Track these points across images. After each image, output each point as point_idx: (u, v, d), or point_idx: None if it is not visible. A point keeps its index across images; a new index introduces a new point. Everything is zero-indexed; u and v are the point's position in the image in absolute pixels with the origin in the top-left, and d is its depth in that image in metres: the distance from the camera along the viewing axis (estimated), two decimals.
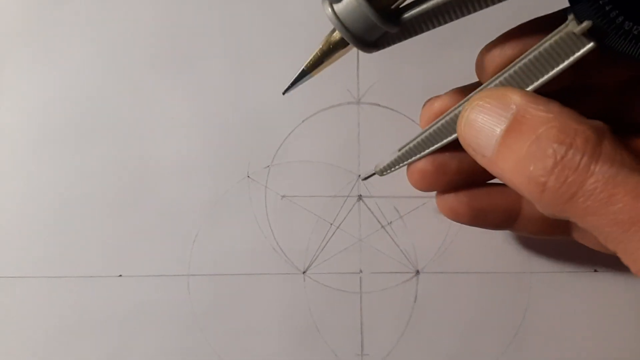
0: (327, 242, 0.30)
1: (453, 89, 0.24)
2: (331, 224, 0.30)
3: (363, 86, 0.30)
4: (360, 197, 0.30)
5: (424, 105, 0.24)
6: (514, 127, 0.19)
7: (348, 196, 0.30)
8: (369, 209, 0.30)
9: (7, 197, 0.30)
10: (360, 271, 0.29)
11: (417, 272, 0.29)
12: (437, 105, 0.24)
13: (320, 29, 0.31)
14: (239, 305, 0.29)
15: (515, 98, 0.19)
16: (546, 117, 0.18)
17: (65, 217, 0.30)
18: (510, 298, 0.29)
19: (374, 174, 0.27)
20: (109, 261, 0.29)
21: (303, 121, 0.30)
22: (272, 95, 0.30)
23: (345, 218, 0.30)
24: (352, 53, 0.30)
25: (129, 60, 0.31)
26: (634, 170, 0.16)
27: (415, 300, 0.29)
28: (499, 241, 0.29)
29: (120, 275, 0.29)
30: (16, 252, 0.29)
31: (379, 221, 0.30)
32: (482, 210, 0.25)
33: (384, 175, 0.27)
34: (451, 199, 0.25)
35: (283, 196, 0.30)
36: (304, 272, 0.29)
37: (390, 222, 0.30)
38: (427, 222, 0.30)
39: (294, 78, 0.23)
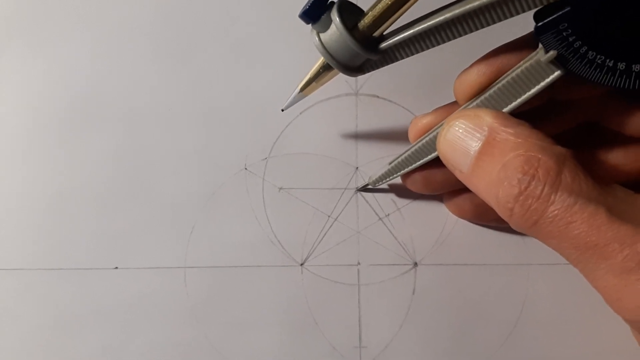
0: (325, 234, 0.29)
1: (437, 108, 0.26)
2: (329, 216, 0.30)
3: (361, 77, 0.30)
4: (357, 189, 0.30)
5: (411, 123, 0.27)
6: (485, 150, 0.20)
7: (346, 188, 0.30)
8: (367, 201, 0.30)
9: (2, 189, 0.29)
10: (358, 263, 0.29)
11: (415, 264, 0.29)
12: (422, 123, 0.26)
13: None
14: (236, 298, 0.29)
15: (487, 119, 0.21)
16: (515, 143, 0.20)
17: (60, 209, 0.29)
18: (508, 290, 0.29)
19: (368, 185, 0.29)
20: (105, 253, 0.29)
21: (301, 113, 0.30)
22: (269, 87, 0.30)
23: (343, 210, 0.30)
24: None
25: (126, 51, 0.30)
26: (590, 200, 0.18)
27: (413, 292, 0.29)
28: (497, 233, 0.29)
29: (116, 268, 0.29)
30: (11, 245, 0.29)
31: (376, 213, 0.30)
32: (484, 206, 0.27)
33: (377, 186, 0.29)
34: (456, 197, 0.28)
35: (280, 188, 0.30)
36: (301, 264, 0.29)
37: (388, 214, 0.30)
38: (424, 214, 0.30)
39: (290, 98, 0.26)
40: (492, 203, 0.21)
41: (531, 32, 0.21)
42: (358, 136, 0.30)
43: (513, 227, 0.20)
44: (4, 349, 0.28)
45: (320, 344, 0.29)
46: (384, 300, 0.29)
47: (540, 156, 0.19)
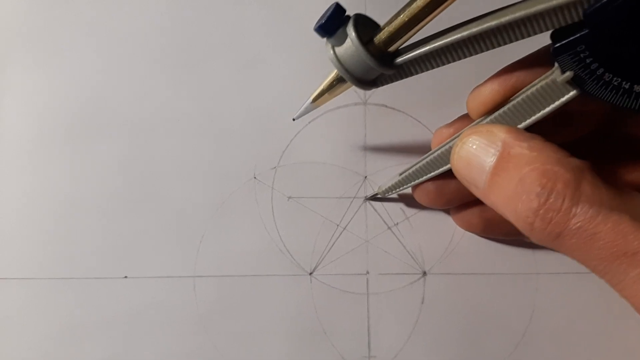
0: (334, 243, 0.29)
1: (459, 117, 0.26)
2: (338, 225, 0.30)
3: None
4: (366, 198, 0.30)
5: (434, 133, 0.27)
6: (500, 164, 0.20)
7: (354, 197, 0.30)
8: (376, 210, 0.30)
9: (12, 198, 0.30)
10: (367, 272, 0.29)
11: (424, 273, 0.29)
12: (448, 133, 0.26)
13: None
14: (245, 307, 0.29)
15: (500, 134, 0.21)
16: (529, 156, 0.20)
17: (70, 218, 0.29)
18: (517, 299, 0.29)
19: (377, 194, 0.29)
20: (115, 262, 0.29)
21: (309, 122, 0.30)
22: (279, 96, 0.30)
23: (351, 219, 0.30)
24: None
25: (135, 61, 0.31)
26: (613, 209, 0.18)
27: (422, 302, 0.29)
28: (506, 242, 0.29)
29: (126, 277, 0.29)
30: (21, 254, 0.29)
31: (385, 222, 0.30)
32: (493, 220, 0.27)
33: (386, 196, 0.29)
34: (464, 211, 0.28)
35: (289, 197, 0.30)
36: (310, 274, 0.29)
37: (397, 223, 0.30)
38: (433, 223, 0.30)
39: (302, 108, 0.26)
40: (511, 218, 0.20)
41: (543, 49, 0.21)
42: (366, 145, 0.30)
43: (535, 241, 0.20)
44: (14, 359, 0.28)
45: (329, 354, 0.29)
46: (393, 310, 0.29)
47: (557, 169, 0.19)
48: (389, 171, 0.30)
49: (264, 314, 0.29)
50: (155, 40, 0.31)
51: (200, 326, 0.29)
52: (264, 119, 0.30)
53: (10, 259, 0.29)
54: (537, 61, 0.22)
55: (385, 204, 0.30)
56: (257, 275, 0.29)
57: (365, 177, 0.30)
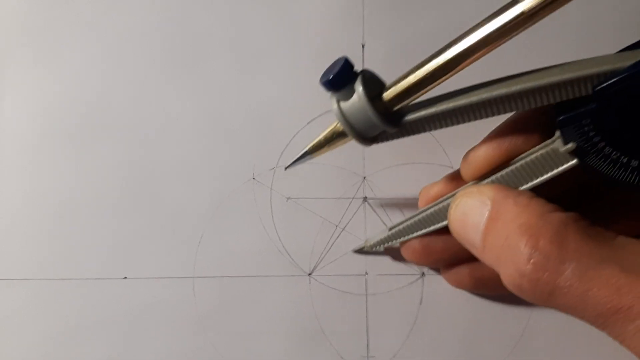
0: (333, 243, 0.30)
1: (447, 176, 0.26)
2: (336, 226, 0.30)
3: None
4: (365, 198, 0.30)
5: (421, 191, 0.27)
6: (490, 224, 0.20)
7: (353, 198, 0.30)
8: (374, 210, 0.30)
9: (11, 199, 0.30)
10: (366, 273, 0.29)
11: (423, 274, 0.29)
12: (434, 192, 0.26)
13: (325, 31, 0.31)
14: (244, 307, 0.29)
15: (490, 193, 0.21)
16: (514, 213, 0.19)
17: (69, 219, 0.29)
18: (515, 300, 0.29)
19: (363, 248, 0.29)
20: (114, 263, 0.29)
21: (308, 123, 0.30)
22: (277, 96, 0.30)
23: (350, 220, 0.30)
24: (358, 54, 0.30)
25: (134, 61, 0.30)
26: (603, 261, 0.17)
27: (420, 302, 0.29)
28: None
29: (125, 278, 0.29)
30: (21, 254, 0.29)
31: (384, 223, 0.30)
32: (483, 279, 0.27)
33: (373, 250, 0.29)
34: (454, 271, 0.28)
35: (288, 198, 0.30)
36: (309, 274, 0.29)
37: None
38: None
39: (297, 157, 0.25)
40: (502, 278, 0.20)
41: (536, 111, 0.21)
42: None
43: (531, 302, 0.19)
44: (13, 359, 0.29)
45: (327, 354, 0.29)
46: (391, 310, 0.29)
47: (541, 224, 0.18)
48: (387, 171, 0.30)
49: (263, 315, 0.29)
50: (155, 40, 0.31)
51: (199, 327, 0.29)
52: (263, 119, 0.30)
53: (11, 260, 0.29)
54: (528, 124, 0.22)
55: (384, 204, 0.30)
56: (256, 275, 0.29)
57: (364, 177, 0.30)
